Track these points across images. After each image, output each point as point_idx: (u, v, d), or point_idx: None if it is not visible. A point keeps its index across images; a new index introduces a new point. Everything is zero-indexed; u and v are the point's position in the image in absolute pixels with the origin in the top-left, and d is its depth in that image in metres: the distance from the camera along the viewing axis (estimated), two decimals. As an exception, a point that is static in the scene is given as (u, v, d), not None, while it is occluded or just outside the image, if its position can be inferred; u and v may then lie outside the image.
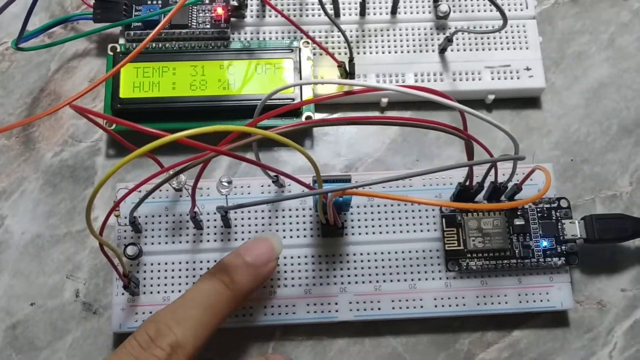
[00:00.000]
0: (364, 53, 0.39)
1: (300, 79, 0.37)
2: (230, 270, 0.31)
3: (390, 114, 0.39)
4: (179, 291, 0.34)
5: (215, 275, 0.31)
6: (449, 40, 0.37)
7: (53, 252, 0.36)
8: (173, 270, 0.35)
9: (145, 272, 0.35)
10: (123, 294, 0.34)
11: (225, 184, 0.31)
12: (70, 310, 0.35)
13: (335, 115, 0.39)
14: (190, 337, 0.28)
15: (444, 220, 0.35)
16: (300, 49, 0.38)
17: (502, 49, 0.39)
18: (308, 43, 0.38)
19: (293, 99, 0.36)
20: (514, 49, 0.39)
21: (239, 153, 0.27)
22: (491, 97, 0.38)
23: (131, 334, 0.29)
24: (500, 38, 0.39)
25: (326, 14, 0.35)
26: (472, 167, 0.33)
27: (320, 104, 0.38)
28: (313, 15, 0.39)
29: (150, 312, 0.34)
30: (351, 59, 0.37)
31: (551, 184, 0.36)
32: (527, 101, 0.39)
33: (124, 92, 0.36)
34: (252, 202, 0.30)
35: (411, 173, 0.29)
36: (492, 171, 0.33)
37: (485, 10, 0.40)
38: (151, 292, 0.34)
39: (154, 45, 0.38)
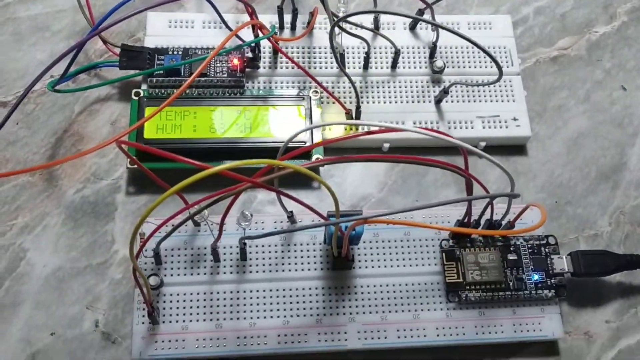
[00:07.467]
0: (367, 102, 0.42)
1: (311, 123, 0.40)
2: None
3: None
4: (197, 320, 0.36)
5: None
6: (445, 91, 0.41)
7: (73, 283, 0.38)
8: (191, 301, 0.37)
9: (165, 302, 0.36)
10: (143, 323, 0.36)
11: (248, 216, 0.34)
12: (90, 340, 0.37)
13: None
14: None
15: (444, 254, 0.38)
16: (310, 97, 0.41)
17: (491, 101, 0.43)
18: (317, 92, 0.41)
19: (305, 142, 0.39)
20: (503, 101, 0.43)
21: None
22: (482, 144, 0.42)
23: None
24: (490, 92, 0.43)
25: (339, 66, 0.38)
26: (470, 203, 0.36)
27: (327, 147, 0.41)
28: (320, 68, 0.43)
29: (170, 341, 0.36)
30: (358, 107, 0.40)
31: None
32: (515, 148, 0.43)
33: (148, 133, 0.39)
34: (275, 231, 0.33)
35: (418, 205, 0.32)
36: (488, 210, 0.36)
37: (475, 67, 0.44)
38: (170, 322, 0.36)
39: (175, 90, 0.41)
